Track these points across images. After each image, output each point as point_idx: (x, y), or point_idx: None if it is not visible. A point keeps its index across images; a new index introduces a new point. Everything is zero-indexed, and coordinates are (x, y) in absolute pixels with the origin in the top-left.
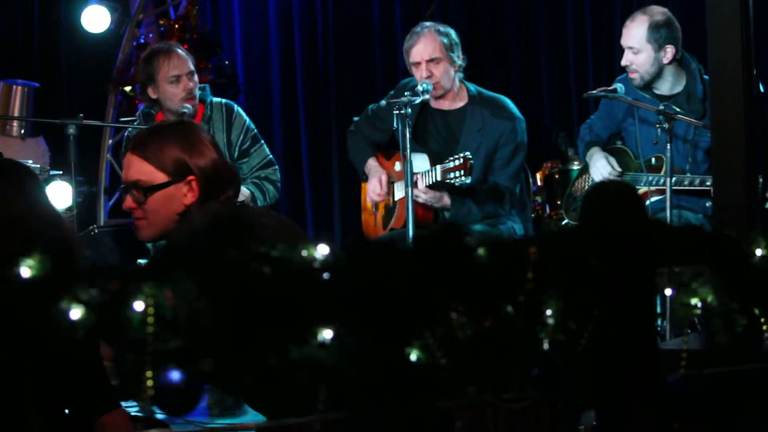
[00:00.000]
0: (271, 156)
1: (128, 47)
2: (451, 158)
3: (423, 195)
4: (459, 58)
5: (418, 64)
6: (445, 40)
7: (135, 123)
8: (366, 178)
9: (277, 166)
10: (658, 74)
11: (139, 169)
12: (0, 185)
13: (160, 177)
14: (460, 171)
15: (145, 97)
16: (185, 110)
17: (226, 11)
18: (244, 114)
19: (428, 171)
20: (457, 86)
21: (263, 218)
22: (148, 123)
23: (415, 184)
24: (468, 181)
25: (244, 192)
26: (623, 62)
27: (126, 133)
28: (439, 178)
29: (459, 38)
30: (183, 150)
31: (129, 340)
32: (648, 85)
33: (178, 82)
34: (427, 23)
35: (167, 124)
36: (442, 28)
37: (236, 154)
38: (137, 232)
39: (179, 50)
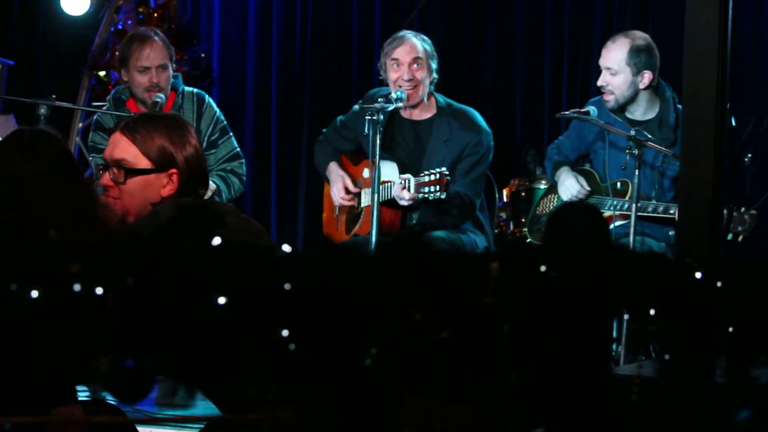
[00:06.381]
0: (238, 149)
1: (106, 32)
2: (427, 172)
3: (407, 198)
4: (434, 70)
5: (400, 65)
6: (428, 48)
7: (105, 107)
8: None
9: (243, 160)
10: (632, 98)
11: (125, 150)
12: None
13: (144, 162)
14: (435, 186)
15: (120, 78)
16: (158, 99)
17: (206, 3)
18: (214, 105)
19: (405, 182)
20: (426, 97)
21: (228, 217)
22: (117, 108)
23: (398, 189)
24: (443, 196)
25: (209, 185)
26: (599, 82)
27: (95, 118)
28: (412, 191)
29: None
30: (172, 142)
31: (85, 323)
32: (621, 109)
33: (145, 73)
34: (408, 31)
35: (161, 115)
36: (424, 36)
37: (204, 145)
38: None
39: (158, 40)
